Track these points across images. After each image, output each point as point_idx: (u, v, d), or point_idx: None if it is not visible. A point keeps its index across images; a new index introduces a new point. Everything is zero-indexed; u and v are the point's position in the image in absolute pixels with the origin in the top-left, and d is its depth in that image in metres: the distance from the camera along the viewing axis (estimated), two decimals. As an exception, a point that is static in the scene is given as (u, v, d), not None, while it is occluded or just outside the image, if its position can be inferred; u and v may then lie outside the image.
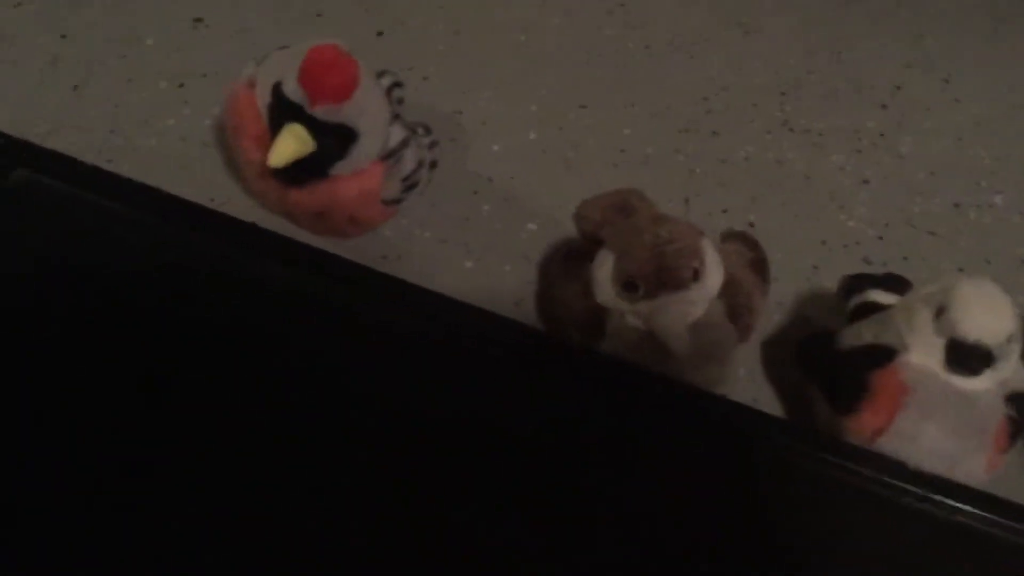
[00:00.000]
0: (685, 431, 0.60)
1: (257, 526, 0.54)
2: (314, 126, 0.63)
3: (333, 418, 0.59)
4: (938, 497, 0.57)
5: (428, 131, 0.73)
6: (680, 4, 0.96)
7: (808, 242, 0.78)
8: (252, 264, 0.66)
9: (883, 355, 0.58)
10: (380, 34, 0.90)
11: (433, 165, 0.74)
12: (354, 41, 0.66)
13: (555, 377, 0.62)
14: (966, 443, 0.57)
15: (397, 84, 0.73)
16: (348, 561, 0.53)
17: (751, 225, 0.78)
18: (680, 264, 0.57)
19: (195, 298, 0.64)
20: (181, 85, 0.83)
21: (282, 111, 0.63)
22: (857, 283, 0.67)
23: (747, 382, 0.68)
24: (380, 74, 0.71)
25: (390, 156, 0.68)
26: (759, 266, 0.66)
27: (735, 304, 0.62)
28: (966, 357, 0.56)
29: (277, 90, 0.63)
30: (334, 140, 0.64)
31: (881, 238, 0.78)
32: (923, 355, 0.57)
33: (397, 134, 0.68)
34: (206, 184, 0.76)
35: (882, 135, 0.86)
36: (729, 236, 0.69)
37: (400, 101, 0.73)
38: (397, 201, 0.71)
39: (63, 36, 0.85)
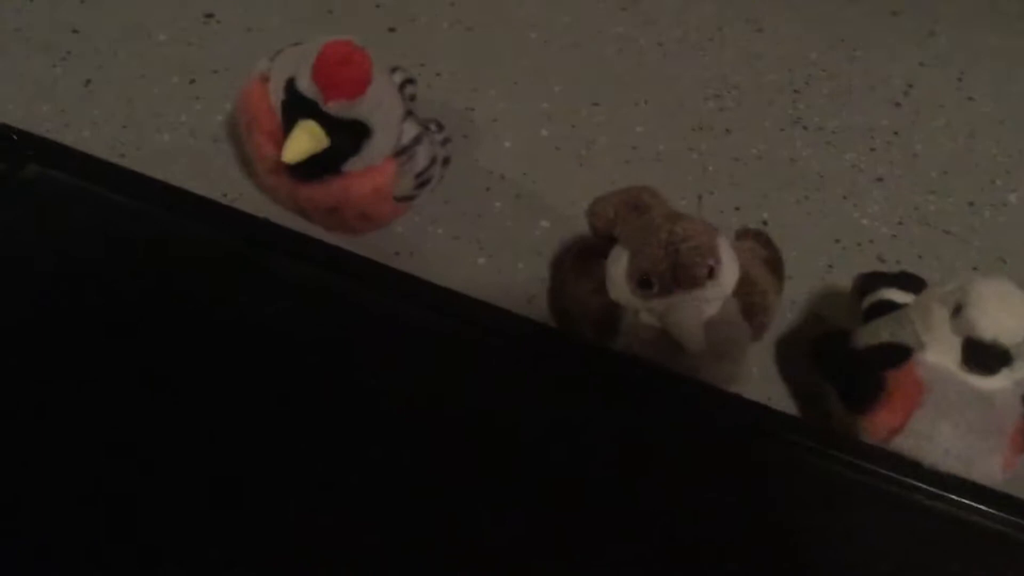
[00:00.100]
0: (698, 429, 0.60)
1: (270, 522, 0.54)
2: (327, 122, 0.63)
3: (345, 413, 0.58)
4: (954, 497, 0.57)
5: (441, 128, 0.73)
6: (692, 1, 0.96)
7: (822, 240, 0.77)
8: (264, 260, 0.66)
9: (899, 354, 0.58)
10: (392, 30, 0.89)
11: (446, 162, 0.74)
12: (365, 37, 0.65)
13: (568, 374, 0.62)
14: (982, 443, 0.57)
15: (409, 81, 0.72)
16: (363, 556, 0.53)
17: (764, 223, 0.77)
18: (695, 262, 0.57)
19: (207, 293, 0.64)
20: (192, 80, 0.83)
21: (296, 107, 0.63)
22: (871, 282, 0.67)
23: (761, 380, 0.68)
24: (392, 70, 0.71)
25: (403, 153, 0.68)
26: (774, 264, 0.66)
27: (750, 302, 0.61)
28: (983, 356, 0.56)
29: (291, 86, 0.63)
30: (347, 136, 0.64)
31: (895, 236, 0.78)
32: (939, 354, 0.57)
33: (410, 131, 0.68)
34: (218, 179, 0.76)
35: (896, 133, 0.86)
36: (743, 234, 0.69)
37: (412, 98, 0.73)
38: (410, 198, 0.71)
39: (75, 31, 0.85)
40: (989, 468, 0.57)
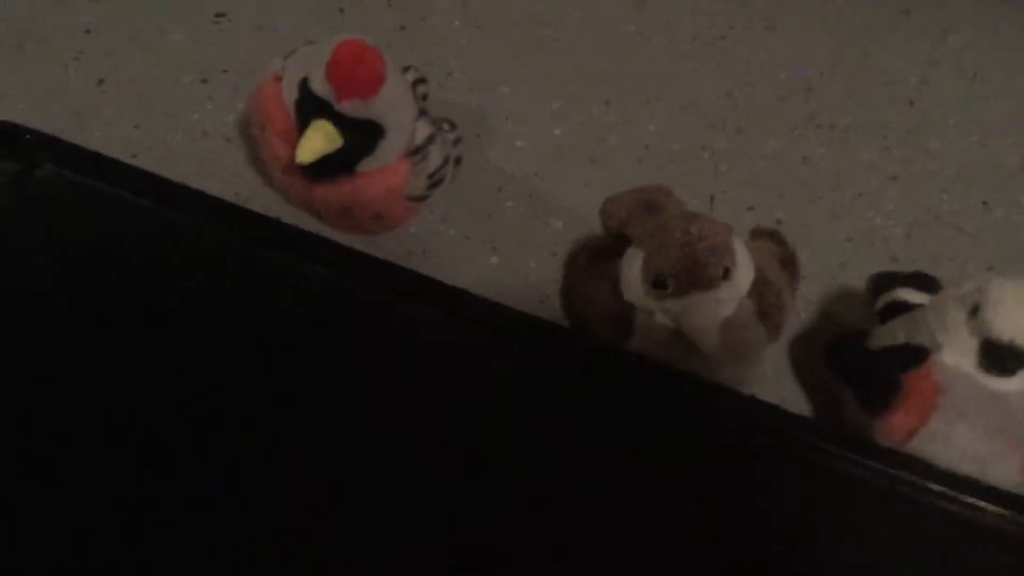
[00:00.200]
0: (713, 430, 0.60)
1: (282, 524, 0.54)
2: (341, 122, 0.62)
3: (356, 414, 0.58)
4: (970, 499, 0.56)
5: (453, 127, 0.73)
6: (704, -1, 0.96)
7: (835, 239, 0.77)
8: (277, 260, 0.66)
9: (916, 355, 0.57)
10: (402, 29, 0.89)
11: (458, 161, 0.74)
12: (376, 36, 0.65)
13: (581, 374, 0.62)
14: (999, 445, 0.56)
15: (421, 80, 0.72)
16: (374, 557, 0.53)
17: (778, 222, 0.77)
18: (711, 262, 0.57)
19: (219, 293, 0.64)
20: (204, 80, 0.83)
21: (309, 107, 0.63)
22: (886, 281, 0.67)
23: (774, 381, 0.68)
24: (404, 69, 0.71)
25: (416, 152, 0.68)
26: (789, 264, 0.66)
27: (765, 303, 0.61)
28: (1000, 357, 0.55)
29: (304, 86, 0.63)
30: (361, 136, 0.64)
31: (909, 236, 0.78)
32: (956, 355, 0.57)
33: (423, 130, 0.68)
34: (230, 179, 0.76)
35: (909, 132, 0.86)
36: (758, 233, 0.69)
37: (424, 97, 0.73)
38: (422, 198, 0.71)
39: (87, 31, 0.85)
40: (1006, 470, 0.57)
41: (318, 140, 0.62)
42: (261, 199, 0.74)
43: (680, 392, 0.61)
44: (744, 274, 0.59)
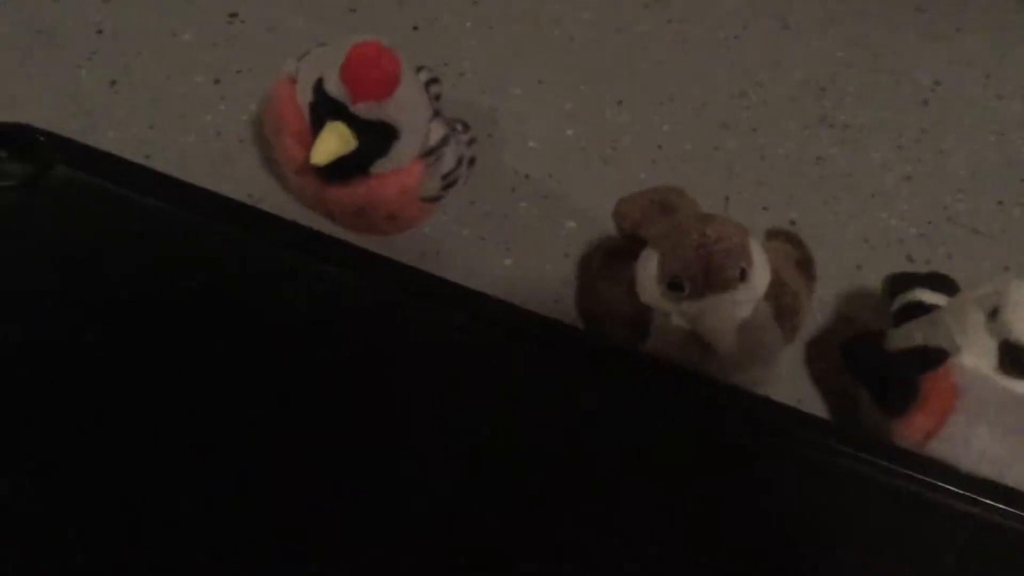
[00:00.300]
0: (729, 431, 0.59)
1: (298, 525, 0.54)
2: (356, 124, 0.62)
3: (369, 416, 0.58)
4: (989, 502, 0.56)
5: (467, 128, 0.73)
6: (717, -2, 0.96)
7: (850, 240, 0.77)
8: (290, 261, 0.65)
9: (934, 357, 0.57)
10: (415, 29, 0.89)
11: (472, 162, 0.73)
12: (388, 36, 0.65)
13: (596, 375, 0.62)
14: (1019, 447, 0.56)
15: (434, 80, 0.72)
16: (388, 558, 0.53)
17: (792, 223, 0.77)
18: (728, 264, 0.56)
19: (233, 294, 0.63)
20: (217, 80, 0.83)
21: (324, 109, 0.63)
22: (902, 282, 0.66)
23: (790, 382, 0.68)
24: (417, 69, 0.71)
25: (430, 153, 0.67)
26: (805, 265, 0.66)
27: (782, 304, 0.61)
28: (1020, 359, 0.55)
29: (319, 87, 0.63)
30: (376, 138, 0.63)
31: (924, 236, 0.77)
32: (975, 357, 0.56)
33: (437, 131, 0.68)
34: (244, 180, 0.75)
35: (923, 131, 0.85)
36: (774, 234, 0.69)
37: (437, 97, 0.72)
38: (436, 199, 0.71)
39: (99, 31, 0.85)
40: (1026, 472, 0.57)
41: (333, 142, 0.62)
42: (274, 200, 0.74)
43: (696, 394, 0.61)
44: (761, 276, 0.59)
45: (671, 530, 0.55)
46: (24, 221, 0.66)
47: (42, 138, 0.69)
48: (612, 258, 0.66)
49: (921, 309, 0.63)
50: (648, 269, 0.59)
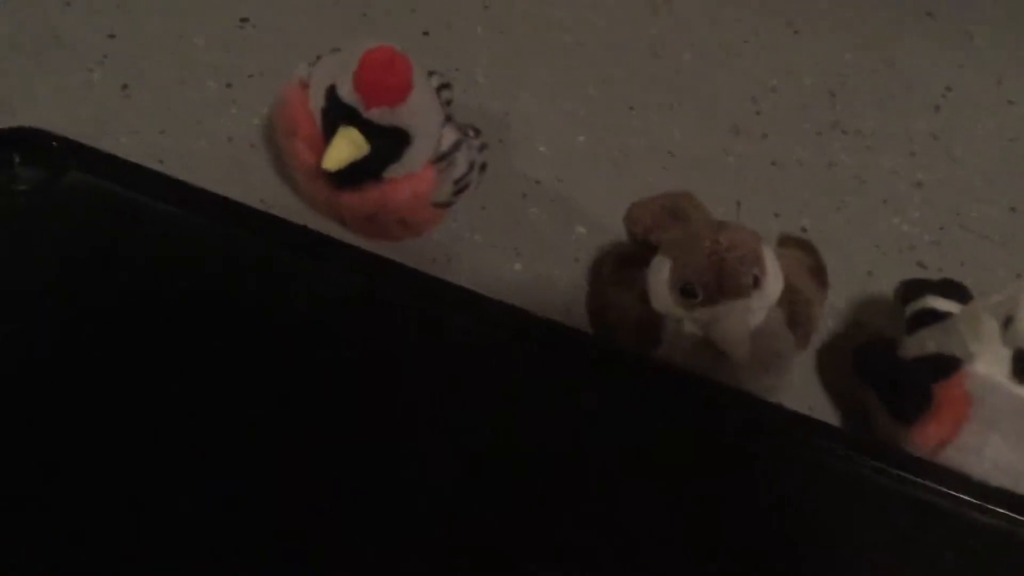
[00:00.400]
0: (741, 438, 0.59)
1: (306, 528, 0.54)
2: (368, 129, 0.62)
3: (380, 420, 0.58)
4: (1003, 511, 0.56)
5: (478, 133, 0.73)
6: (727, 3, 0.95)
7: (862, 246, 0.77)
8: (302, 266, 0.66)
9: (948, 365, 0.57)
10: (426, 34, 0.89)
11: (483, 168, 0.73)
12: (400, 41, 0.65)
13: (607, 380, 0.61)
14: (1033, 456, 0.56)
15: (445, 85, 0.72)
16: (394, 561, 0.53)
17: (804, 229, 0.77)
18: (741, 271, 0.56)
19: (245, 299, 0.64)
20: (229, 85, 0.83)
21: (336, 114, 0.63)
22: (914, 289, 0.66)
23: (802, 389, 0.67)
24: (429, 74, 0.71)
25: (443, 159, 0.67)
26: (818, 272, 0.66)
27: (795, 312, 0.61)
28: (1035, 368, 0.55)
29: (331, 93, 0.63)
30: (388, 143, 0.63)
31: (936, 242, 0.77)
32: (989, 365, 0.56)
33: (449, 137, 0.68)
34: (256, 185, 0.76)
35: (935, 137, 0.85)
36: (786, 241, 0.68)
37: (448, 102, 0.72)
38: (448, 204, 0.71)
39: (111, 36, 0.86)
40: (1039, 482, 0.56)
41: (345, 147, 0.62)
42: (286, 205, 0.74)
43: (708, 400, 0.60)
44: (774, 283, 0.59)
45: (681, 538, 0.55)
46: (37, 226, 0.66)
47: (55, 143, 0.69)
48: (623, 264, 0.66)
49: (933, 316, 0.63)
50: (660, 275, 0.59)
